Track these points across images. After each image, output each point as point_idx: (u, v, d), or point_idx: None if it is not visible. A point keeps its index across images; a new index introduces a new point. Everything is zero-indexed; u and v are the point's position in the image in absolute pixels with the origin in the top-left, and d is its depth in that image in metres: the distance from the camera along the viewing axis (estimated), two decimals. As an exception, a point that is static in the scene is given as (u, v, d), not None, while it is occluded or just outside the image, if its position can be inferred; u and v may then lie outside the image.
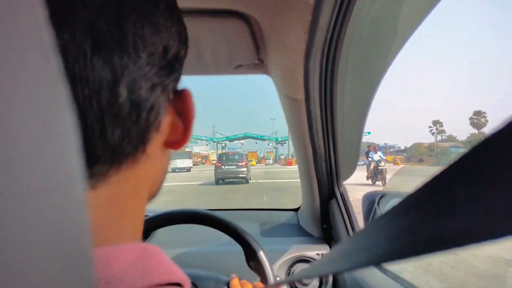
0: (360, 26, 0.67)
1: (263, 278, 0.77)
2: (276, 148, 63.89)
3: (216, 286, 0.87)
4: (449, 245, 0.14)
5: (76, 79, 0.21)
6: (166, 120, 0.29)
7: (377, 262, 0.18)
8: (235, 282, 0.78)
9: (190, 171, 32.64)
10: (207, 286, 0.87)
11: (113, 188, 0.26)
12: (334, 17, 0.60)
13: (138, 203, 0.30)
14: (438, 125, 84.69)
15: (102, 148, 0.24)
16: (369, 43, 0.73)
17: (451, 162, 0.14)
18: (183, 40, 0.31)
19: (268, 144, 67.32)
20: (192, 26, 0.71)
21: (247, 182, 16.78)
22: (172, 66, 0.29)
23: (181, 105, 0.31)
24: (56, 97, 0.12)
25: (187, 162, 33.27)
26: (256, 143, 70.62)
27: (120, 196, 0.27)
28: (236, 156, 17.43)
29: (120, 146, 0.25)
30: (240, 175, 16.56)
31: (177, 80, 0.30)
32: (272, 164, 51.72)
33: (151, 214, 0.85)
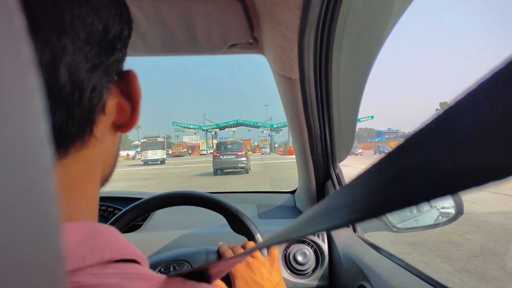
0: (354, 2, 0.66)
1: (248, 236, 0.81)
2: (271, 136, 60.67)
3: (207, 257, 0.88)
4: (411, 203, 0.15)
5: None
6: (112, 101, 0.29)
7: (350, 221, 0.19)
8: (224, 247, 0.80)
9: (164, 163, 30.62)
10: (199, 259, 0.88)
11: (62, 172, 0.26)
12: None
13: (92, 186, 0.30)
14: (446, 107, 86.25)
15: None
16: (364, 19, 0.72)
17: (412, 132, 0.15)
18: (125, 20, 0.30)
19: (262, 132, 63.82)
20: (185, 4, 0.70)
21: (247, 172, 16.25)
22: (114, 46, 0.28)
23: (127, 86, 0.31)
24: (25, 84, 0.11)
25: (160, 153, 30.99)
26: (249, 130, 66.21)
27: (71, 179, 0.27)
28: (235, 145, 16.89)
29: (65, 129, 0.25)
30: (239, 165, 16.03)
31: (120, 61, 0.30)
32: (269, 154, 49.01)
33: (146, 197, 0.86)
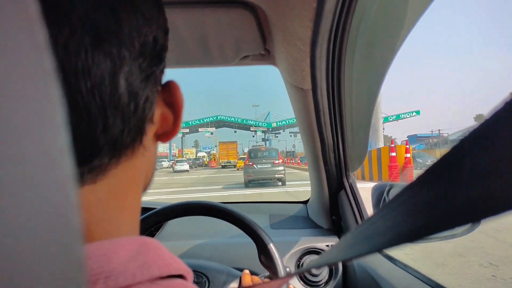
0: (366, 12, 0.67)
1: (273, 271, 0.78)
2: (268, 140, 45.38)
3: (227, 279, 0.88)
4: (438, 230, 0.15)
5: (79, 73, 0.22)
6: (157, 111, 0.30)
7: (384, 247, 0.19)
8: (247, 278, 0.78)
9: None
10: (218, 278, 0.88)
11: (112, 181, 0.26)
12: (339, 4, 0.60)
13: (136, 195, 0.30)
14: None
15: (104, 141, 0.24)
16: (375, 30, 0.72)
17: (467, 133, 0.15)
18: (167, 31, 0.31)
19: (254, 135, 45.77)
20: (198, 17, 0.71)
21: (283, 184, 13.48)
22: (161, 56, 0.29)
23: (169, 96, 0.31)
24: (47, 95, 0.11)
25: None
26: (235, 132, 46.19)
27: (119, 189, 0.27)
28: (271, 152, 14.30)
29: (120, 138, 0.26)
30: (276, 176, 13.35)
31: (163, 71, 0.31)
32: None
33: (159, 207, 0.86)
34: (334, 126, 0.99)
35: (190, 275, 0.29)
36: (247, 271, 0.79)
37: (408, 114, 42.26)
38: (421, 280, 0.79)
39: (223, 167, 36.78)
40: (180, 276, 0.28)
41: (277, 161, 13.58)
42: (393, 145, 9.67)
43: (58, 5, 0.21)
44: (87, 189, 0.25)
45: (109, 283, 0.22)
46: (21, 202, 0.10)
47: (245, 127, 45.52)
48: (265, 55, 0.88)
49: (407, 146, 9.87)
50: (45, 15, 0.20)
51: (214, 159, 41.19)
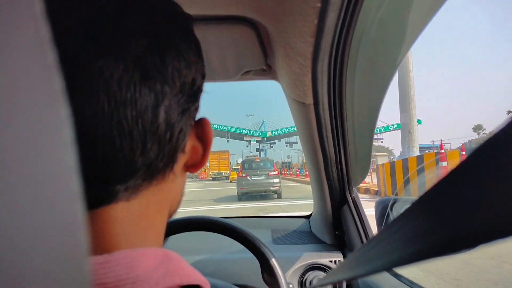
0: (367, 28, 0.67)
1: (275, 283, 0.77)
2: (263, 150, 41.53)
3: None
4: (460, 247, 0.14)
5: (127, 103, 0.25)
6: (189, 143, 0.33)
7: (391, 267, 0.19)
8: None
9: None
10: None
11: (143, 202, 0.29)
12: (340, 20, 0.60)
13: (161, 218, 0.33)
14: (480, 131, 75.49)
15: (141, 163, 0.27)
16: (377, 45, 0.72)
17: (457, 164, 0.14)
18: (204, 75, 0.35)
19: (248, 145, 43.07)
20: (200, 33, 0.71)
21: (279, 197, 12.53)
22: (197, 95, 0.33)
23: (201, 131, 0.35)
24: (56, 114, 0.12)
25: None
26: (228, 141, 43.45)
27: (148, 210, 0.30)
28: (265, 163, 13.40)
29: (155, 163, 0.28)
30: (271, 188, 12.39)
31: (197, 108, 0.34)
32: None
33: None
34: (336, 140, 0.98)
35: (207, 286, 0.31)
36: None
37: None
38: None
39: (214, 179, 34.46)
40: (198, 286, 0.29)
41: (272, 173, 12.75)
42: (443, 151, 7.33)
43: (116, 45, 0.25)
44: (121, 206, 0.27)
45: None
46: (28, 218, 0.11)
47: (239, 136, 42.16)
48: (267, 70, 0.89)
49: (463, 153, 7.34)
50: (105, 53, 0.23)
51: (205, 170, 37.49)
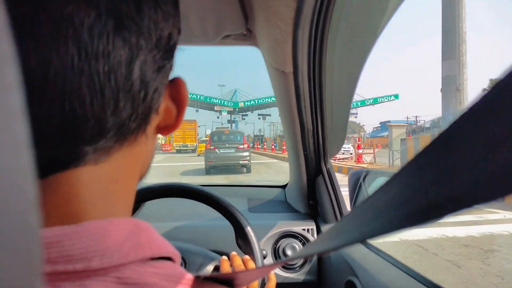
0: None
1: (250, 254, 0.78)
2: (235, 121, 39.39)
3: (204, 261, 0.88)
4: (449, 210, 0.14)
5: (99, 56, 0.23)
6: (163, 104, 0.31)
7: (363, 239, 0.19)
8: (236, 260, 0.79)
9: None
10: (195, 261, 0.88)
11: (113, 165, 0.27)
12: None
13: (132, 181, 0.31)
14: None
15: (112, 123, 0.25)
16: (358, 13, 0.72)
17: (443, 130, 0.15)
18: (179, 30, 0.33)
19: (218, 116, 40.13)
20: None
21: (248, 171, 12.20)
22: (173, 51, 0.31)
23: (175, 91, 0.33)
24: (2, 81, 0.11)
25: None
26: (197, 111, 38.73)
27: (118, 173, 0.28)
28: (235, 136, 12.88)
29: (127, 123, 0.27)
30: (240, 162, 11.97)
31: (172, 66, 0.32)
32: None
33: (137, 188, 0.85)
34: (314, 111, 0.99)
35: (178, 258, 0.30)
36: (234, 253, 0.80)
37: (386, 98, 38.06)
38: (392, 264, 0.82)
39: (178, 151, 30.95)
40: (169, 259, 0.29)
41: (242, 146, 12.19)
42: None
43: None
44: (89, 169, 0.25)
45: (104, 261, 0.23)
46: None
47: (209, 106, 38.22)
48: (247, 35, 0.87)
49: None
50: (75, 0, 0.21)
51: (169, 142, 34.32)
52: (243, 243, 0.81)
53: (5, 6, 0.11)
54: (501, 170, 0.12)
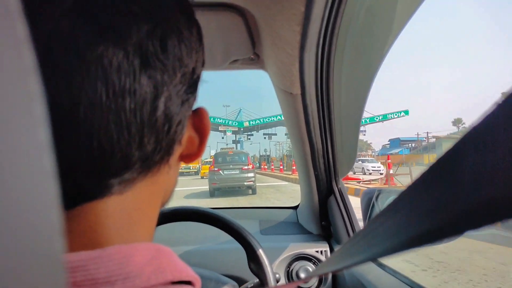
0: (354, 17, 0.67)
1: (262, 278, 0.77)
2: (239, 142, 38.17)
3: (216, 286, 0.87)
4: (441, 238, 0.15)
5: (126, 93, 0.24)
6: (186, 134, 0.32)
7: (375, 258, 0.20)
8: None
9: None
10: (207, 286, 0.87)
11: (137, 194, 0.28)
12: (328, 8, 0.60)
13: (154, 209, 0.32)
14: (460, 124, 72.67)
15: (138, 157, 0.26)
16: (364, 35, 0.73)
17: (435, 160, 0.15)
18: (203, 63, 0.34)
19: (223, 136, 38.42)
20: None
21: (254, 192, 11.72)
22: (196, 85, 0.32)
23: (198, 121, 0.34)
24: (30, 114, 0.11)
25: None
26: None
27: (141, 202, 0.29)
28: (239, 157, 12.53)
29: (152, 156, 0.27)
30: (245, 183, 11.51)
31: (196, 98, 0.33)
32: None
33: None
34: (323, 131, 0.99)
35: (198, 282, 0.30)
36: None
37: (395, 114, 36.29)
38: (408, 285, 0.79)
39: (180, 174, 25.78)
40: (189, 283, 0.29)
41: (246, 167, 11.75)
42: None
43: (116, 30, 0.24)
44: (114, 199, 0.26)
45: (127, 284, 0.23)
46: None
47: (213, 126, 34.42)
48: (255, 60, 0.88)
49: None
50: (104, 39, 0.23)
51: None
52: (256, 267, 0.80)
53: (38, 47, 0.12)
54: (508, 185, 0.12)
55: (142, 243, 0.27)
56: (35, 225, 0.11)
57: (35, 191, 0.11)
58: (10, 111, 0.11)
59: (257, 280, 0.80)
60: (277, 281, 0.80)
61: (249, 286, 0.83)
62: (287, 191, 12.66)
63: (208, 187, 11.87)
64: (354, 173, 19.90)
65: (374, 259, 0.20)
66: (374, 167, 22.18)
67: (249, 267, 0.81)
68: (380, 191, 1.11)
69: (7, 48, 0.11)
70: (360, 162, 23.17)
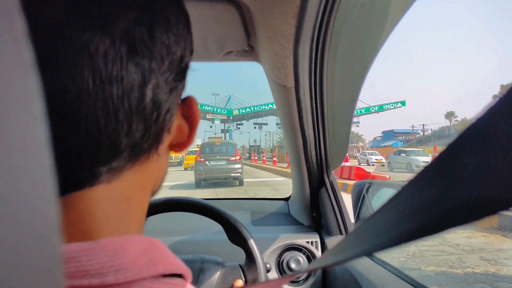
0: (349, 11, 0.67)
1: (253, 268, 0.79)
2: (229, 130, 36.57)
3: (203, 266, 0.87)
4: (465, 218, 0.14)
5: (113, 80, 0.24)
6: (175, 123, 0.32)
7: (368, 253, 0.20)
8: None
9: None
10: (193, 268, 0.87)
11: (125, 183, 0.28)
12: (323, 2, 0.60)
13: (144, 198, 0.32)
14: (452, 118, 70.41)
15: (126, 144, 0.26)
16: (358, 29, 0.73)
17: (458, 134, 0.15)
18: (192, 51, 0.33)
19: (211, 125, 37.21)
20: None
21: (241, 184, 11.67)
22: (185, 72, 0.32)
23: (187, 110, 0.34)
24: (30, 111, 0.11)
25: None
26: None
27: (131, 191, 0.29)
28: (226, 147, 12.31)
29: (140, 143, 0.27)
30: (232, 174, 11.46)
31: (184, 86, 0.33)
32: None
33: None
34: (316, 124, 1.00)
35: (189, 275, 0.30)
36: (240, 282, 0.80)
37: (392, 105, 35.76)
38: (398, 277, 0.81)
39: None
40: (180, 275, 0.29)
41: (233, 158, 11.52)
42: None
43: (103, 17, 0.24)
44: (102, 188, 0.26)
45: (118, 276, 0.23)
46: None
47: (201, 114, 33.11)
48: (249, 51, 0.88)
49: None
50: (91, 26, 0.23)
51: None
52: (247, 257, 0.81)
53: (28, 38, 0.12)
54: (504, 183, 0.13)
55: (134, 235, 0.27)
56: (34, 220, 0.11)
57: (34, 187, 0.11)
58: (9, 107, 0.11)
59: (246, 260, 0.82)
60: (268, 271, 0.81)
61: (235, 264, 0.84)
62: (286, 190, 11.76)
63: (194, 178, 11.73)
64: (359, 164, 22.06)
65: (366, 254, 0.20)
66: (377, 159, 24.98)
67: (233, 242, 0.82)
68: (370, 184, 1.13)
69: (6, 43, 0.11)
70: (364, 154, 26.66)
